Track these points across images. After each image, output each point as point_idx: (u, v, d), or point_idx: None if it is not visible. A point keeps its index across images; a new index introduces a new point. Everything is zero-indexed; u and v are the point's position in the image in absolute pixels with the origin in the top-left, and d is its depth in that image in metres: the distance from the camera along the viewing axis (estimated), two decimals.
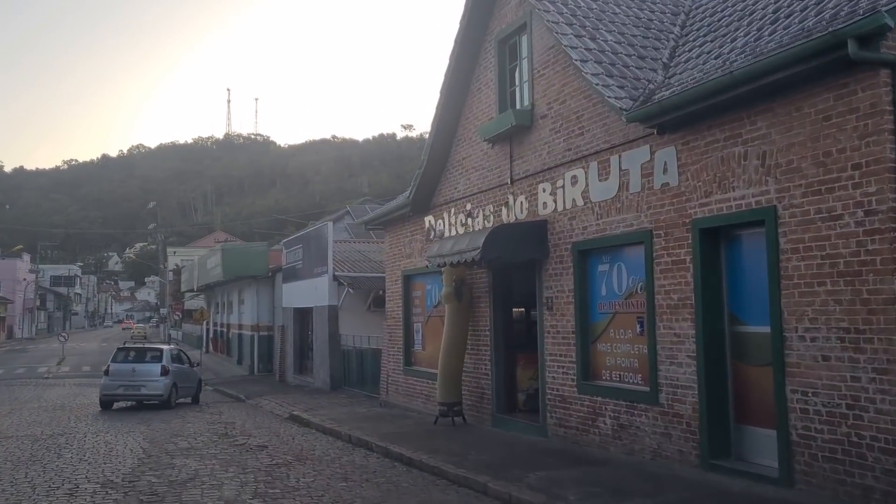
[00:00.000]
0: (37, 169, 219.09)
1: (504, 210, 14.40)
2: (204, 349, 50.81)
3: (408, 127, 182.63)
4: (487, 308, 15.07)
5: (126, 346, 25.54)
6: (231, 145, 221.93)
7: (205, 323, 51.72)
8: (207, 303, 50.71)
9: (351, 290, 24.96)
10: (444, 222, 16.73)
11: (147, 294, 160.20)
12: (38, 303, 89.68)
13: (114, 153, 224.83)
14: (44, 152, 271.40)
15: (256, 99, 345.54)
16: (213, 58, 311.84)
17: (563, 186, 12.64)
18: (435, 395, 16.77)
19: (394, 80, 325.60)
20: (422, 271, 17.92)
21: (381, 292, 25.30)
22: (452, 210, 16.38)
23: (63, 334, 52.04)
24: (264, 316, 36.36)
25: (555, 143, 12.89)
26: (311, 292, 27.67)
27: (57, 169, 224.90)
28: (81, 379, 35.31)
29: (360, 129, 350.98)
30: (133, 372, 21.89)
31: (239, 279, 37.46)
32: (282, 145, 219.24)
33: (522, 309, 16.00)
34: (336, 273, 25.73)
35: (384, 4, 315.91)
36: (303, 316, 30.09)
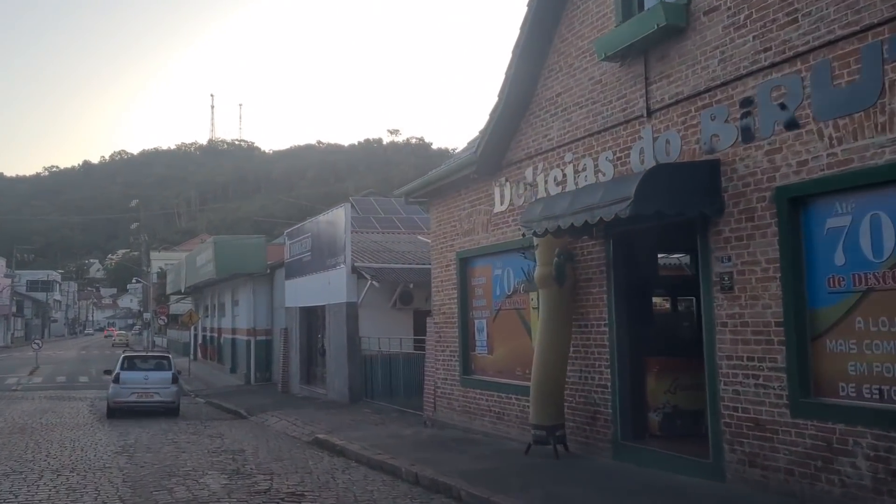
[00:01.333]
0: (17, 175, 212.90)
1: (634, 155, 10.03)
2: (192, 356, 46.04)
3: (394, 132, 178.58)
4: (603, 293, 10.64)
5: (133, 353, 24.86)
6: (215, 151, 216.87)
7: (193, 328, 46.92)
8: (195, 306, 45.93)
9: (375, 283, 20.46)
10: (522, 183, 12.35)
11: (129, 301, 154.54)
12: (14, 309, 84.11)
13: (96, 160, 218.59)
14: (24, 159, 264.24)
15: (240, 104, 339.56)
16: (197, 63, 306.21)
17: (755, 105, 8.30)
18: (509, 412, 12.48)
19: (380, 84, 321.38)
20: (488, 251, 13.52)
21: (410, 286, 20.90)
22: (540, 165, 11.98)
23: (37, 341, 47.09)
24: (262, 318, 31.76)
25: (734, 46, 8.54)
26: (322, 288, 23.15)
27: (38, 175, 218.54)
28: (54, 391, 30.54)
29: (346, 134, 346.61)
30: (146, 380, 21.25)
31: (233, 277, 32.84)
32: (266, 151, 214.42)
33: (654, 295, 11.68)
34: (356, 264, 21.25)
35: (369, 9, 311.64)
36: (311, 317, 25.54)
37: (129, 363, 22.01)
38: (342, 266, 21.44)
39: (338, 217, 22.21)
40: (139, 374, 21.40)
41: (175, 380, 21.84)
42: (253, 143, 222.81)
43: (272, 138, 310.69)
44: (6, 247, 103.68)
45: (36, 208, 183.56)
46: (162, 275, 60.13)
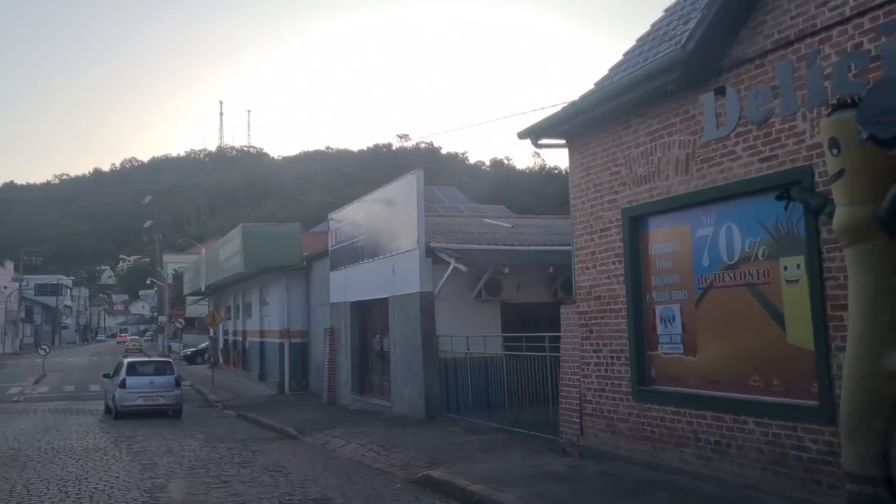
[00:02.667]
0: (28, 183, 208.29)
1: None
2: (211, 362, 41.44)
3: (403, 136, 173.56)
4: None
5: (135, 359, 24.42)
6: (224, 158, 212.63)
7: (212, 331, 42.34)
8: (215, 307, 41.40)
9: (462, 266, 15.85)
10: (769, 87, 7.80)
11: (141, 307, 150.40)
12: (22, 315, 79.63)
13: (106, 167, 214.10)
14: (35, 167, 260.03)
15: (249, 111, 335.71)
16: (206, 71, 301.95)
17: None
18: (743, 444, 7.95)
19: (388, 89, 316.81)
20: (686, 202, 8.92)
21: (504, 270, 16.33)
22: (802, 49, 7.44)
23: (43, 346, 42.55)
24: (297, 318, 27.18)
25: None
26: (382, 278, 18.60)
27: (48, 184, 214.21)
28: (61, 402, 26.02)
29: (355, 139, 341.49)
30: (151, 384, 21.79)
31: (264, 272, 28.30)
32: (275, 157, 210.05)
33: None
34: (432, 244, 16.69)
35: (376, 15, 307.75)
36: (364, 313, 20.97)
37: (133, 369, 22.13)
38: (413, 248, 16.88)
39: (405, 188, 17.64)
40: (144, 379, 21.80)
41: (178, 383, 22.40)
42: (262, 150, 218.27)
43: (281, 144, 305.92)
44: (15, 252, 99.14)
45: (47, 216, 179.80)
46: (178, 276, 55.66)
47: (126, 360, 23.15)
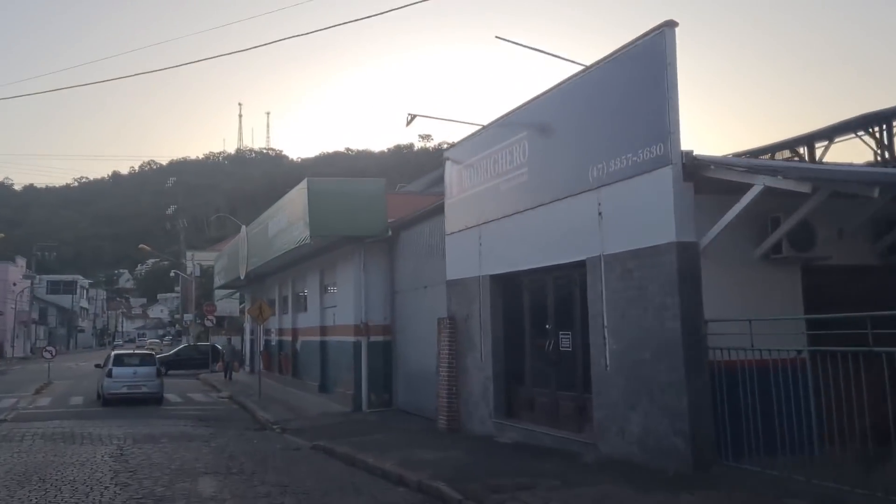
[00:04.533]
0: (47, 186, 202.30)
1: None
2: (248, 367, 33.96)
3: (425, 137, 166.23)
4: None
5: (121, 352, 26.73)
6: (243, 160, 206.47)
7: (249, 331, 34.90)
8: (252, 301, 34.06)
9: (788, 183, 8.31)
10: None
11: (160, 311, 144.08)
12: (35, 316, 72.41)
13: (125, 170, 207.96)
14: (54, 170, 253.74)
15: (268, 113, 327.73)
16: (224, 73, 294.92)
17: None
18: None
19: (409, 89, 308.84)
20: None
21: (873, 193, 8.79)
22: None
23: (48, 349, 35.03)
24: (376, 309, 19.69)
25: None
26: (571, 229, 11.05)
27: (68, 187, 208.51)
28: (61, 422, 18.56)
29: (376, 140, 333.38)
30: (134, 374, 23.24)
31: (328, 249, 20.87)
32: (294, 159, 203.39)
33: None
34: (698, 156, 9.20)
35: (395, 15, 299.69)
36: (516, 292, 13.35)
37: (120, 360, 23.72)
38: (656, 164, 9.37)
39: (638, 59, 10.07)
40: (129, 370, 23.27)
41: (159, 374, 23.85)
42: (281, 152, 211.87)
43: (300, 146, 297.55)
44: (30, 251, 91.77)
45: (66, 219, 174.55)
46: (204, 272, 48.28)
47: (113, 353, 25.55)
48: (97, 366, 25.41)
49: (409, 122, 14.55)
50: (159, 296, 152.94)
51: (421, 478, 9.93)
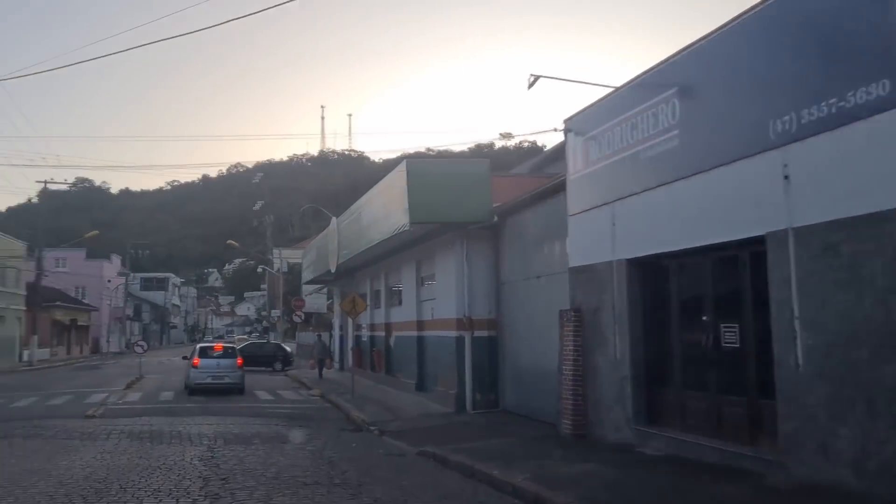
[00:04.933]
0: (142, 190, 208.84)
1: None
2: (338, 364, 32.72)
3: (506, 135, 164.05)
4: None
5: (205, 344, 29.01)
6: (326, 162, 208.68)
7: (338, 327, 33.71)
8: (343, 295, 32.82)
9: None
10: None
11: (246, 309, 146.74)
12: (130, 313, 73.68)
13: (213, 173, 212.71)
14: (148, 174, 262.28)
15: (350, 115, 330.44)
16: (307, 76, 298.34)
17: None
18: None
19: (490, 88, 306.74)
20: None
21: None
22: None
23: (140, 343, 34.66)
24: (480, 302, 17.91)
25: None
26: (741, 197, 9.04)
27: (161, 190, 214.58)
28: (151, 419, 17.45)
29: (456, 140, 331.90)
30: (217, 366, 24.14)
31: (427, 237, 19.22)
32: (376, 160, 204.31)
33: None
34: None
35: (476, 13, 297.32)
36: (659, 277, 11.31)
37: (203, 352, 24.95)
38: (886, 110, 7.23)
39: None
40: (212, 361, 24.36)
41: (240, 365, 24.63)
42: (363, 153, 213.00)
43: (381, 147, 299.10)
44: (132, 259, 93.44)
45: (159, 221, 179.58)
46: (291, 269, 47.59)
47: (198, 345, 27.07)
48: (184, 358, 26.94)
49: (531, 84, 12.69)
50: (246, 294, 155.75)
51: (569, 501, 8.05)
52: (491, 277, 18.00)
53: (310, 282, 35.10)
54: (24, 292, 44.47)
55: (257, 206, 50.22)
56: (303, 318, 35.15)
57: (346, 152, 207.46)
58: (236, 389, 23.83)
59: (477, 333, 17.81)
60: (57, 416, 18.05)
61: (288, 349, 39.94)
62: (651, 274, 11.42)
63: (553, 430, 13.53)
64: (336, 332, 34.20)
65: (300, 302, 35.21)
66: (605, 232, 12.07)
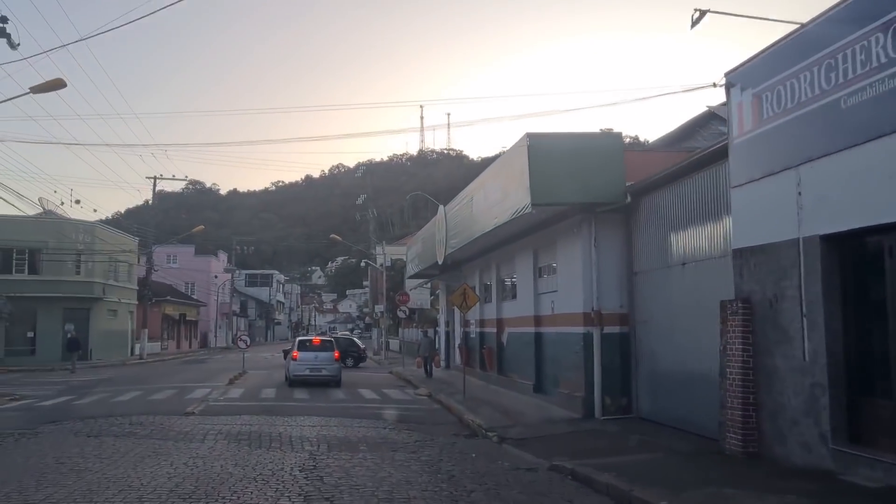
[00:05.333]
0: (248, 191, 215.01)
1: None
2: (444, 362, 31.02)
3: (606, 130, 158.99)
4: None
5: (304, 337, 29.09)
6: (425, 161, 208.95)
7: (444, 323, 32.05)
8: (448, 290, 31.11)
9: None
10: None
11: (349, 306, 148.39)
12: (236, 309, 74.67)
13: (316, 174, 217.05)
14: (254, 175, 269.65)
15: (448, 114, 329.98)
16: (407, 77, 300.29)
17: None
18: None
19: (589, 82, 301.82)
20: None
21: None
22: None
23: (243, 338, 34.07)
24: (609, 294, 15.69)
25: None
26: None
27: (266, 190, 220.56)
28: (251, 418, 16.15)
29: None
30: (315, 358, 24.56)
31: (547, 222, 17.12)
32: (474, 158, 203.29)
33: None
34: None
35: (570, 9, 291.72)
36: (861, 259, 8.96)
37: (303, 345, 25.45)
38: None
39: None
40: (311, 354, 24.76)
41: (337, 359, 25.11)
42: (461, 152, 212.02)
43: (479, 145, 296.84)
44: (239, 258, 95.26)
45: (264, 220, 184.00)
46: (393, 266, 46.38)
47: (298, 338, 27.87)
48: (284, 352, 27.90)
49: (695, 22, 10.45)
50: (348, 292, 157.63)
51: None
52: (622, 266, 15.76)
53: (414, 276, 33.56)
54: (136, 287, 45.02)
55: (360, 200, 49.12)
56: (407, 313, 33.66)
57: (445, 151, 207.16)
58: (333, 382, 24.21)
59: (607, 329, 15.62)
60: (156, 413, 16.97)
61: (362, 345, 38.45)
62: (856, 253, 8.99)
63: (709, 445, 11.23)
64: (441, 329, 32.54)
65: (405, 297, 33.72)
66: (786, 203, 9.69)
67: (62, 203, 40.92)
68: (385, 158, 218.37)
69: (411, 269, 32.95)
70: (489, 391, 21.39)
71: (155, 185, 41.52)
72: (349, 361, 34.99)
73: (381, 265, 43.43)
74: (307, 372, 24.15)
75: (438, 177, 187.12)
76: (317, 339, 27.67)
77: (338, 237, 50.17)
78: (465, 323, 27.42)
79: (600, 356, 15.52)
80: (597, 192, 15.08)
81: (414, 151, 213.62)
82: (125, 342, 44.61)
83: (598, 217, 15.64)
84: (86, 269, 39.07)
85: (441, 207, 24.96)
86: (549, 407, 17.19)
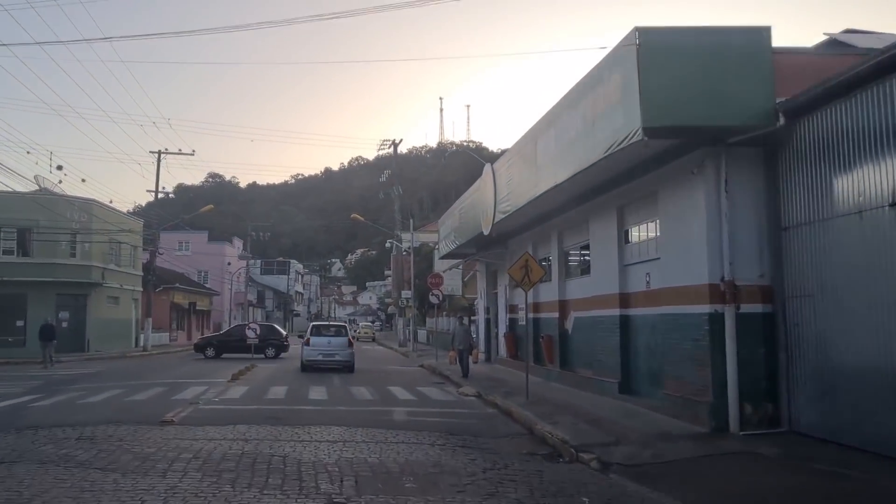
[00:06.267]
0: (267, 184, 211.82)
1: None
2: (483, 354, 26.33)
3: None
4: None
5: (319, 323, 29.22)
6: (444, 153, 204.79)
7: (483, 309, 27.37)
8: (485, 274, 26.40)
9: None
10: None
11: (368, 298, 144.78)
12: (252, 299, 70.41)
13: (335, 166, 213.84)
14: (273, 168, 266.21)
15: (468, 106, 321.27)
16: (426, 69, 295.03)
17: None
18: None
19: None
20: None
21: None
22: None
23: (252, 326, 29.84)
24: (748, 258, 11.00)
25: None
26: None
27: (285, 183, 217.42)
28: (248, 429, 11.49)
29: None
30: (328, 343, 24.00)
31: (654, 162, 12.37)
32: (494, 150, 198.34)
33: None
34: None
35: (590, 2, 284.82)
36: None
37: (316, 330, 24.99)
38: None
39: None
40: (324, 339, 24.16)
41: (350, 344, 24.32)
42: (481, 144, 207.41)
43: (499, 137, 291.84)
44: (258, 248, 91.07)
45: (284, 212, 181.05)
46: (418, 251, 41.74)
47: (312, 323, 27.95)
48: (299, 336, 28.02)
49: None
50: (368, 284, 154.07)
51: None
52: (762, 221, 11.06)
53: (447, 255, 28.85)
54: (140, 273, 40.62)
55: (384, 177, 44.48)
56: (441, 298, 28.76)
57: (465, 143, 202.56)
58: (346, 367, 23.56)
59: (744, 308, 10.90)
60: (124, 421, 12.43)
61: (283, 332, 34.06)
62: None
63: None
64: (480, 316, 27.83)
65: (437, 279, 28.92)
66: None
67: (60, 182, 36.68)
68: (404, 151, 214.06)
69: (445, 247, 28.21)
70: (553, 390, 16.68)
71: (159, 160, 37.11)
72: (270, 351, 31.29)
73: (409, 247, 38.76)
74: (320, 357, 23.64)
75: (458, 169, 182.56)
76: (330, 323, 27.75)
77: (359, 217, 45.58)
78: (511, 308, 22.74)
79: (735, 346, 10.82)
80: (734, 111, 10.38)
81: (433, 143, 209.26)
82: (128, 332, 40.28)
83: (729, 151, 10.92)
84: (82, 252, 34.70)
85: (488, 166, 20.22)
86: (649, 415, 12.49)
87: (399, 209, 42.14)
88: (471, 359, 21.68)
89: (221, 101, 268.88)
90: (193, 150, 36.83)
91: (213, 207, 40.35)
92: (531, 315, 20.42)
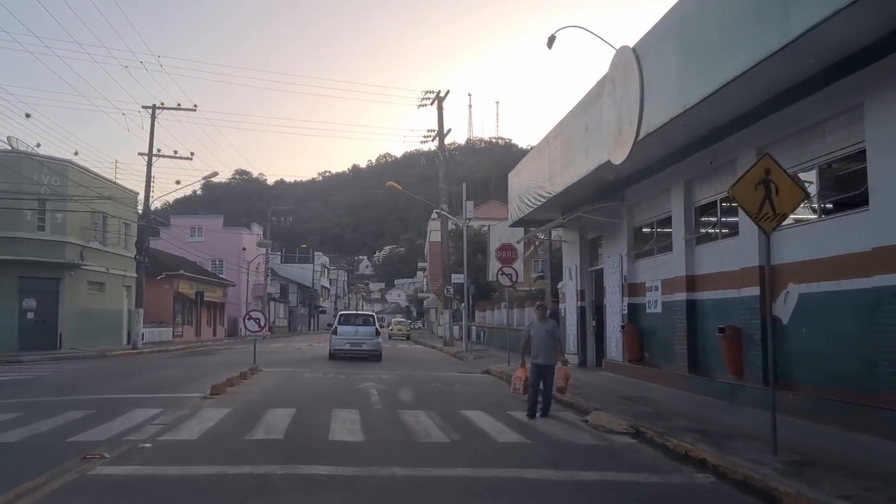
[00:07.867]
0: (295, 181, 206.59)
1: None
2: (577, 353, 18.37)
3: None
4: None
5: (347, 312, 29.93)
6: (473, 150, 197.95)
7: (575, 296, 19.24)
8: (579, 244, 18.61)
9: None
10: None
11: (396, 296, 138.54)
12: (275, 293, 63.07)
13: (363, 163, 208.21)
14: (301, 165, 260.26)
15: (497, 102, 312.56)
16: (455, 65, 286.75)
17: None
18: None
19: None
20: None
21: None
22: None
23: (255, 315, 22.28)
24: None
25: None
26: None
27: (313, 180, 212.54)
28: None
29: None
30: (356, 333, 23.62)
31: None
32: (523, 147, 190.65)
33: None
34: None
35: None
36: None
37: (345, 319, 24.71)
38: None
39: None
40: (351, 328, 23.80)
41: (377, 333, 23.98)
42: (510, 140, 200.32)
43: (528, 134, 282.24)
44: (287, 243, 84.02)
45: (311, 210, 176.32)
46: (458, 233, 33.93)
47: (340, 313, 27.22)
48: (328, 325, 28.30)
49: None
50: (396, 281, 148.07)
51: None
52: None
53: (518, 222, 20.91)
54: (134, 256, 33.21)
55: (426, 141, 36.78)
56: (515, 277, 20.43)
57: (494, 140, 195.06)
58: (374, 357, 23.14)
59: None
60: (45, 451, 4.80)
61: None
62: None
63: None
64: (572, 304, 19.64)
65: (510, 252, 20.68)
66: None
67: (38, 145, 29.33)
68: (433, 148, 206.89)
69: (518, 209, 20.14)
70: (671, 397, 8.74)
71: (153, 115, 29.73)
72: None
73: (466, 219, 30.67)
74: (347, 346, 23.25)
75: (487, 165, 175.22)
76: (359, 313, 27.01)
77: (395, 184, 37.87)
78: (633, 289, 14.83)
79: None
80: None
81: (462, 140, 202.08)
82: (118, 326, 32.90)
83: None
84: (53, 225, 27.33)
85: (623, 50, 12.20)
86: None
87: (444, 177, 34.43)
88: (557, 377, 10.89)
89: (250, 96, 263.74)
90: (195, 105, 29.11)
91: (217, 173, 32.92)
92: (684, 297, 12.47)
